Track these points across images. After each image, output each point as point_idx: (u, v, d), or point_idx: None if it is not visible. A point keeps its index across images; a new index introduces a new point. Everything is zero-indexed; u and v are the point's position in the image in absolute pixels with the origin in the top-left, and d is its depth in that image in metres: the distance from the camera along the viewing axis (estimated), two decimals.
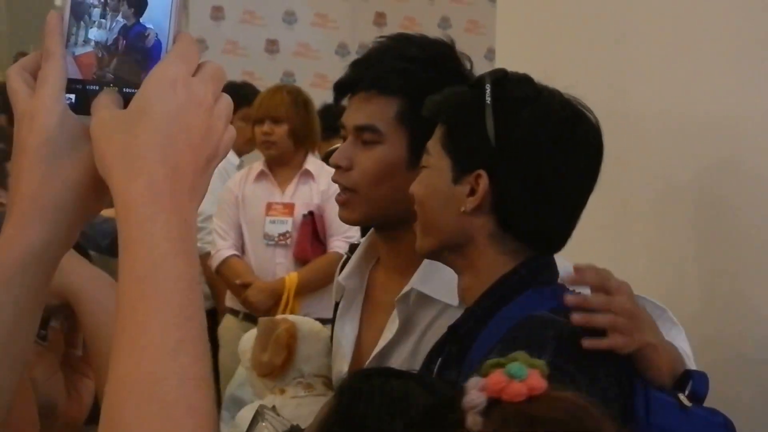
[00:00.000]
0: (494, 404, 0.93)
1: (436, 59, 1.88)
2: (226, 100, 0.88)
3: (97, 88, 0.89)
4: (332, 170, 1.93)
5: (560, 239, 1.67)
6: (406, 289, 1.87)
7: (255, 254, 4.21)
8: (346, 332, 2.00)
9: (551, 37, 2.92)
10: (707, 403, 1.61)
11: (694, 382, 1.59)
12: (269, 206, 4.22)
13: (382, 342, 1.89)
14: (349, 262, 2.02)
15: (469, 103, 1.63)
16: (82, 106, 0.89)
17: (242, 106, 4.73)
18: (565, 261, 1.71)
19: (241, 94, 4.79)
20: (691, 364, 1.65)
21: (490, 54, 5.98)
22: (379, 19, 7.14)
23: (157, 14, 0.89)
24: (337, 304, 2.07)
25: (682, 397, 1.58)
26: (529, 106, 1.63)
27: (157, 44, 0.88)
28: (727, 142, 2.54)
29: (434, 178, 1.65)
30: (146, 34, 0.89)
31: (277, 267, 4.19)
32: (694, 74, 2.57)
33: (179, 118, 0.85)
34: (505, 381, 0.94)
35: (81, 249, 1.50)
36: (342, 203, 1.89)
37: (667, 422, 1.54)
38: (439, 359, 1.67)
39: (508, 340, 1.50)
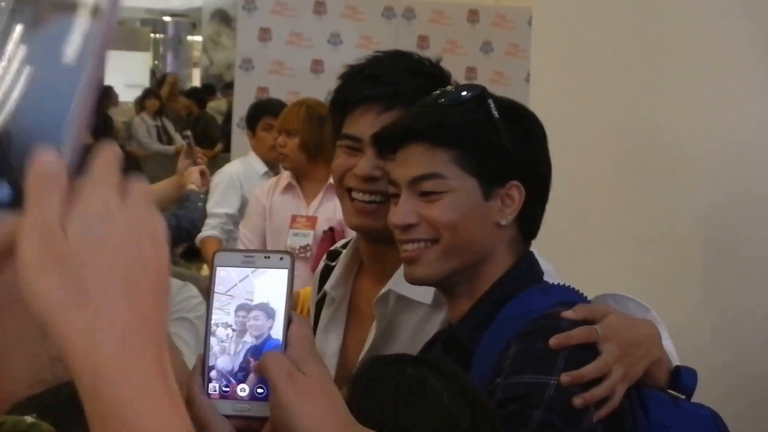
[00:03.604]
0: None
1: None
2: (161, 221, 0.75)
3: None
4: None
5: None
6: (383, 290, 1.90)
7: None
8: (331, 342, 2.01)
9: (585, 63, 2.95)
10: None
11: (683, 378, 1.64)
12: (293, 219, 4.24)
13: (366, 348, 1.91)
14: (335, 271, 2.04)
15: (478, 121, 1.66)
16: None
17: (264, 117, 4.96)
18: (546, 263, 1.77)
19: (264, 106, 5.13)
20: (675, 360, 1.69)
21: None
22: (422, 42, 7.20)
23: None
24: (318, 313, 2.08)
25: (672, 392, 1.64)
26: (527, 118, 1.71)
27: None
28: (738, 174, 2.59)
29: (464, 199, 1.65)
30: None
31: (295, 280, 4.22)
32: (720, 109, 2.61)
33: (127, 248, 0.72)
34: None
35: None
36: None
37: (664, 418, 1.59)
38: None
39: (525, 335, 1.54)
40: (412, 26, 7.35)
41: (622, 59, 2.89)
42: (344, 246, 2.12)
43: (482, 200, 1.65)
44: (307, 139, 4.26)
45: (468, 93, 1.68)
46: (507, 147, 1.65)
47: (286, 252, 1.12)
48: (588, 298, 1.69)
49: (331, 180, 4.31)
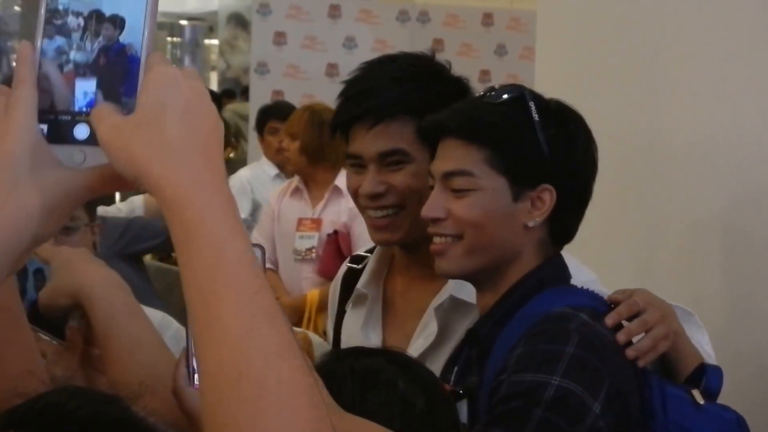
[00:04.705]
0: None
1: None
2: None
3: (69, 118, 0.91)
4: None
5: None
6: (443, 297, 1.92)
7: (285, 268, 4.30)
8: (372, 340, 2.03)
9: (590, 63, 2.99)
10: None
11: (708, 377, 1.65)
12: (300, 222, 4.30)
13: (418, 348, 1.93)
14: (366, 271, 2.07)
15: (516, 122, 1.67)
16: (53, 136, 0.91)
17: (270, 121, 5.07)
18: (580, 266, 1.81)
19: (271, 110, 5.21)
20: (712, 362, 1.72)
21: None
22: (437, 45, 7.23)
23: (132, 33, 0.91)
24: (341, 313, 2.11)
25: (695, 393, 1.64)
26: (571, 120, 1.71)
27: (135, 59, 0.91)
28: (752, 173, 2.59)
29: (491, 199, 1.66)
30: (126, 52, 0.91)
31: (303, 282, 4.26)
32: (722, 108, 2.61)
33: (195, 110, 0.88)
34: None
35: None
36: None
37: (683, 419, 1.59)
38: (455, 368, 1.73)
39: (533, 335, 1.56)
40: (426, 30, 7.38)
41: (628, 58, 2.92)
42: (368, 251, 2.15)
43: (510, 201, 1.67)
44: (307, 143, 4.31)
45: (508, 94, 1.69)
46: (543, 150, 1.66)
47: (255, 244, 1.14)
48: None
49: (336, 183, 4.39)
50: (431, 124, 1.74)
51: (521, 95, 1.69)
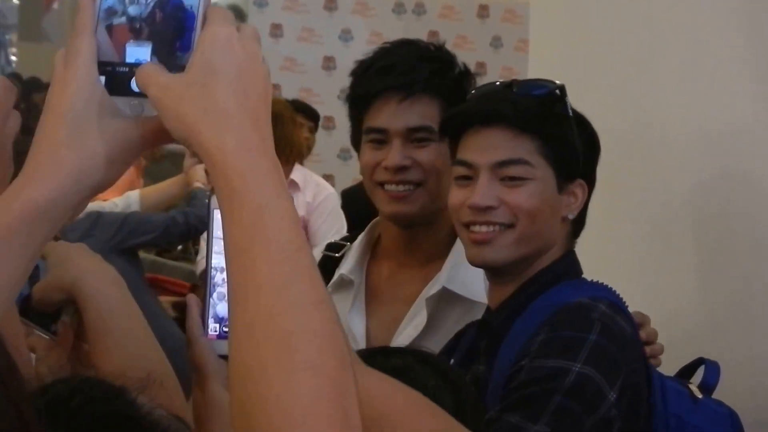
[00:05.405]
0: None
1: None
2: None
3: (126, 69, 0.91)
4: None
5: None
6: (436, 287, 1.94)
7: None
8: (356, 325, 2.04)
9: (580, 59, 3.01)
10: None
11: (707, 372, 1.71)
12: None
13: (407, 337, 1.95)
14: (350, 256, 2.08)
15: (559, 116, 1.71)
16: (111, 87, 0.91)
17: None
18: None
19: None
20: None
21: None
22: (432, 37, 7.16)
23: None
24: None
25: (693, 387, 1.69)
26: (588, 123, 1.77)
27: (191, 15, 0.91)
28: (733, 154, 2.60)
29: (544, 189, 1.70)
30: (183, 6, 0.91)
31: None
32: (718, 100, 2.62)
33: (245, 74, 0.88)
34: None
35: None
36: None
37: (681, 411, 1.63)
38: (451, 360, 1.74)
39: (556, 322, 1.59)
40: (422, 22, 7.35)
41: (622, 51, 2.93)
42: (344, 239, 2.16)
43: (556, 192, 1.71)
44: None
45: (550, 88, 1.71)
46: (577, 145, 1.70)
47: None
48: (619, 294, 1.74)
49: (292, 176, 4.34)
50: (475, 111, 1.74)
51: (562, 89, 1.72)
